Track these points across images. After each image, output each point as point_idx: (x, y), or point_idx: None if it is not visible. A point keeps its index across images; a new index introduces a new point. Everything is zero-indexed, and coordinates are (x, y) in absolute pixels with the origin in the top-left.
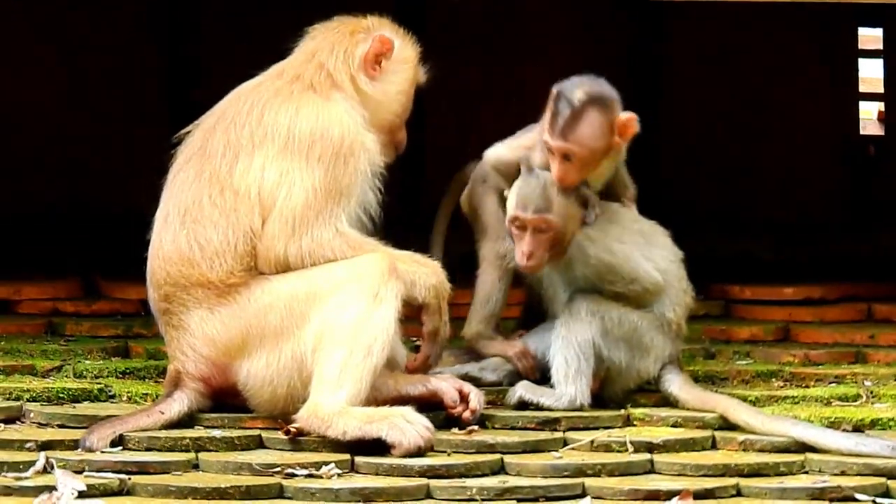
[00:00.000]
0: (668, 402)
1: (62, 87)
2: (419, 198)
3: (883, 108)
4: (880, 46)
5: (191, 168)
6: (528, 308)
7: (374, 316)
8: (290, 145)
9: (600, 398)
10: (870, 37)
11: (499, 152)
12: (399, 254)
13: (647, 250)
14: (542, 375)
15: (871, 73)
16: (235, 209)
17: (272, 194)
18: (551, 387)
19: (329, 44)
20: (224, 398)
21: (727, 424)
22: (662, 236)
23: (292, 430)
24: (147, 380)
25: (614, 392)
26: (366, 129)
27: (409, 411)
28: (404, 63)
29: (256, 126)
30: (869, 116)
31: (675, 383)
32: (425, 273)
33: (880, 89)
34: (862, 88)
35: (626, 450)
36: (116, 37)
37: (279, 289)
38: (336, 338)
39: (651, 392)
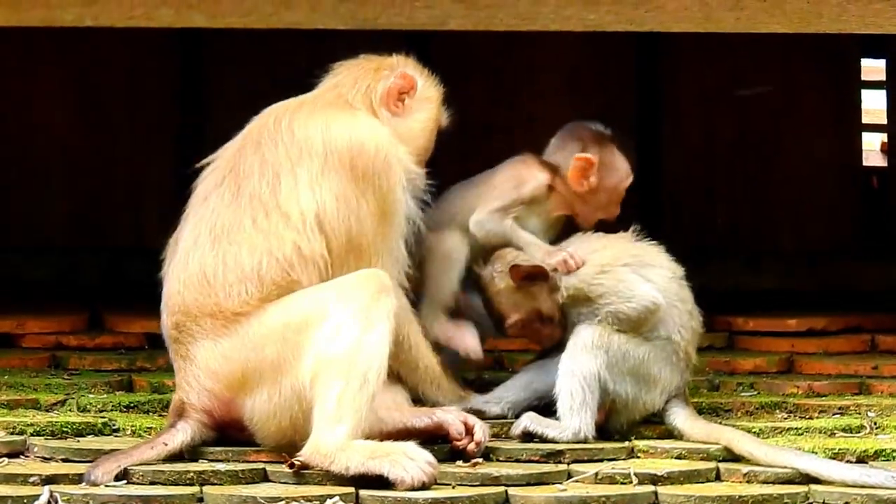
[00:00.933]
0: (673, 434)
1: (70, 122)
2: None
3: (886, 140)
4: (883, 77)
5: (226, 190)
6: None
7: (367, 341)
8: (331, 162)
9: (605, 430)
10: (873, 68)
11: (490, 226)
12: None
13: (641, 270)
14: (546, 408)
15: (874, 105)
16: (280, 235)
17: (335, 222)
18: (557, 419)
19: (352, 78)
20: (230, 432)
21: (731, 456)
22: (658, 255)
23: (296, 463)
24: (151, 413)
25: (619, 424)
26: (396, 141)
27: (411, 447)
28: (427, 102)
29: (290, 143)
30: (872, 147)
31: (680, 416)
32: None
33: (883, 120)
34: (865, 119)
35: (631, 482)
36: (127, 71)
37: (273, 320)
38: (331, 369)
39: (655, 424)
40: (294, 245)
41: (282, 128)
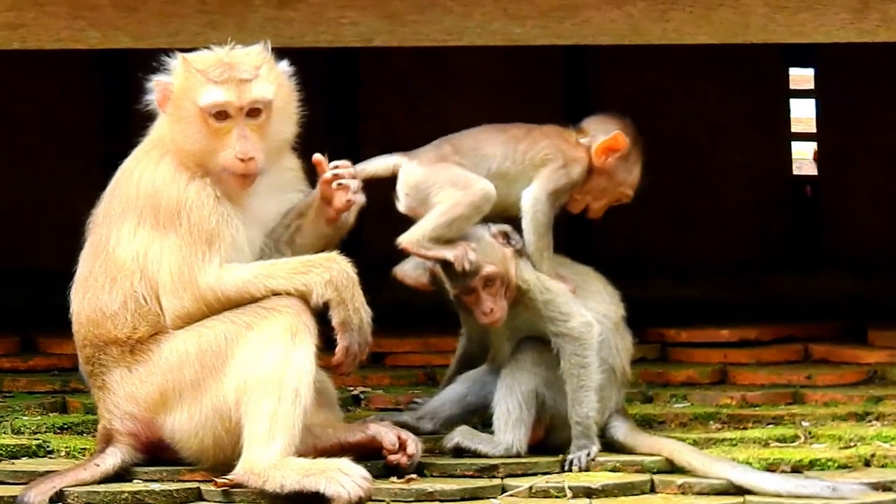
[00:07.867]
0: (612, 448)
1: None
2: (350, 234)
3: (817, 149)
4: (811, 86)
5: (88, 238)
6: (464, 357)
7: (294, 357)
8: (144, 215)
9: (545, 445)
10: (801, 77)
11: (541, 213)
12: (283, 268)
13: (580, 294)
14: (482, 423)
15: (804, 114)
16: (115, 278)
17: (148, 266)
18: (491, 433)
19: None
20: (157, 452)
21: (666, 468)
22: (596, 281)
23: (222, 481)
24: (85, 434)
25: (560, 440)
26: (189, 179)
27: (345, 463)
28: (179, 97)
29: (118, 196)
30: (804, 156)
31: (622, 430)
32: (317, 275)
33: (813, 129)
34: (796, 128)
35: (565, 495)
36: (53, 97)
37: (187, 345)
38: (260, 388)
39: None
40: (129, 282)
41: (115, 182)
